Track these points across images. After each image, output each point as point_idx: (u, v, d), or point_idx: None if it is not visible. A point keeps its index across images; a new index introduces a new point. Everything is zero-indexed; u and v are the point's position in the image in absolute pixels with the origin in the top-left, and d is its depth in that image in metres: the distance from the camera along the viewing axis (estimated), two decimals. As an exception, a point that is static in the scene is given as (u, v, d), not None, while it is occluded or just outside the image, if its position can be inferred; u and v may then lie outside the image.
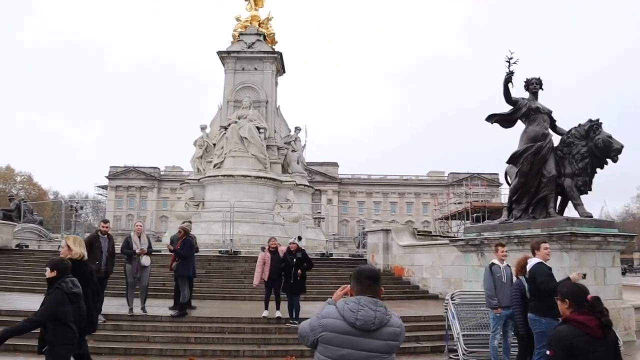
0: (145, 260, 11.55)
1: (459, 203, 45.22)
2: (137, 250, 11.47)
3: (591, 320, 3.67)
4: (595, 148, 11.39)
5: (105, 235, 11.16)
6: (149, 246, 11.85)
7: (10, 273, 17.31)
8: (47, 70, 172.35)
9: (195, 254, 13.08)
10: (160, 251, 17.25)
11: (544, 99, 12.50)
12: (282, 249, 12.14)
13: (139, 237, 11.74)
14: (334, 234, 50.21)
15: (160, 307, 12.69)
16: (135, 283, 11.63)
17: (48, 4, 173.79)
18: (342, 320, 2.98)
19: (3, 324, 10.77)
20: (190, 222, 14.77)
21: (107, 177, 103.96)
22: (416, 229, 24.87)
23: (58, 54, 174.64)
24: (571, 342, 3.59)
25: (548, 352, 3.72)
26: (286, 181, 28.32)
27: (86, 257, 6.62)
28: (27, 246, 22.15)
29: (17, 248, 21.10)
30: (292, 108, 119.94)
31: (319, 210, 48.17)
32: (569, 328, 3.70)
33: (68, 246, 6.47)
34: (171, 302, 13.20)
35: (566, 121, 12.30)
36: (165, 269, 12.94)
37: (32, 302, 13.29)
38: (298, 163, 30.43)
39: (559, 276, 7.51)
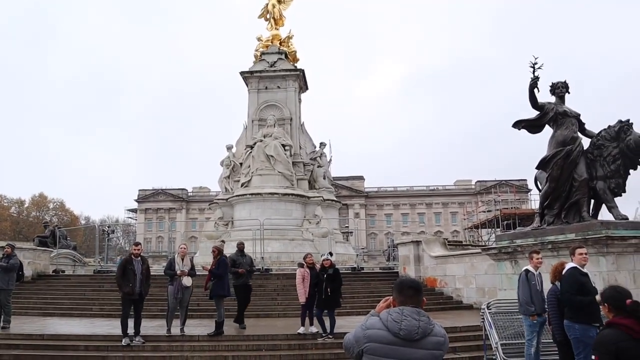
0: (187, 281, 11.79)
1: (488, 211, 44.57)
2: (178, 272, 11.70)
3: (635, 323, 3.64)
4: (627, 149, 11.21)
5: (139, 258, 11.41)
6: (191, 267, 12.09)
7: (49, 298, 17.73)
8: (77, 97, 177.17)
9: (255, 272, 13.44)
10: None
11: (573, 102, 12.38)
12: (317, 266, 12.26)
13: (182, 258, 11.99)
14: (362, 248, 49.90)
15: (197, 327, 12.85)
16: (176, 305, 11.84)
17: (75, 32, 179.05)
18: (386, 330, 3.03)
19: (48, 348, 11.10)
20: (223, 241, 15.05)
21: (136, 201, 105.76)
22: (446, 239, 24.64)
23: (87, 79, 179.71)
24: (617, 346, 3.56)
25: (593, 357, 3.69)
26: (313, 197, 28.43)
27: None
28: (63, 271, 22.66)
29: (54, 273, 21.59)
30: (317, 124, 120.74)
31: (346, 225, 48.10)
32: (613, 332, 3.67)
33: None
34: (206, 322, 13.38)
35: (598, 123, 12.14)
36: (200, 289, 13.12)
37: (73, 326, 13.65)
38: (324, 178, 30.53)
39: (597, 280, 7.41)
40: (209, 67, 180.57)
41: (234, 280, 12.85)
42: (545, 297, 7.97)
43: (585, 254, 7.52)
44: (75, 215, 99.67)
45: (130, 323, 11.22)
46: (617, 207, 11.52)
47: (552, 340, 8.01)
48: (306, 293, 11.89)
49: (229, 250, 21.17)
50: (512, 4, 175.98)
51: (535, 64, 11.58)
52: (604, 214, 12.05)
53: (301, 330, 11.87)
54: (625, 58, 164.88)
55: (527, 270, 8.73)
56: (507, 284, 13.00)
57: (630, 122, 11.41)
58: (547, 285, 8.09)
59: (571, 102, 12.36)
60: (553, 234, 11.88)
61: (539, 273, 8.72)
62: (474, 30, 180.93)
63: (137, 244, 12.05)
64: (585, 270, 7.36)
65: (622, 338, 3.59)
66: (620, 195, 11.65)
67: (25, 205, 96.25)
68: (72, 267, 25.40)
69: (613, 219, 11.39)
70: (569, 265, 7.37)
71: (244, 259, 13.18)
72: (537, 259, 8.80)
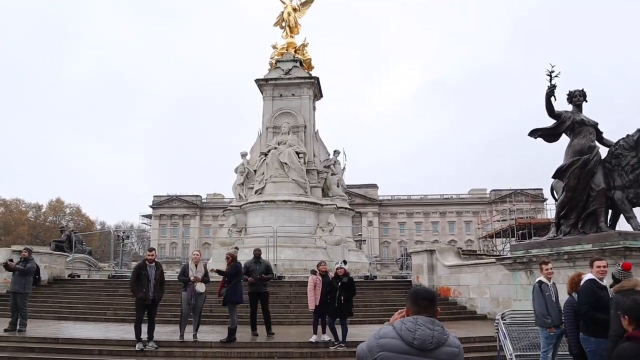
0: (200, 287, 11.82)
1: (503, 220, 44.20)
2: (192, 278, 11.75)
3: None
4: (646, 158, 11.07)
5: (153, 264, 11.48)
6: (205, 274, 12.13)
7: (65, 302, 17.89)
8: (94, 103, 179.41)
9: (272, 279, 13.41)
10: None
11: (591, 110, 12.26)
12: (330, 274, 12.22)
13: (196, 265, 12.04)
14: (375, 256, 49.77)
15: (210, 334, 12.88)
16: (189, 311, 11.87)
17: (93, 40, 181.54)
18: (399, 339, 3.00)
19: (62, 352, 11.18)
20: (237, 248, 15.10)
21: (150, 206, 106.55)
22: (460, 248, 24.46)
23: (102, 85, 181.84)
24: None
25: None
26: (327, 205, 28.41)
27: None
28: (78, 276, 22.86)
29: (69, 278, 21.80)
30: (331, 131, 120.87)
31: (360, 233, 48.06)
32: (632, 345, 3.61)
33: None
34: (218, 328, 13.40)
35: (617, 132, 11.99)
36: (213, 295, 13.15)
37: (87, 330, 13.75)
38: (338, 186, 30.50)
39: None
40: (226, 74, 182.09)
41: (248, 287, 12.87)
42: (562, 308, 7.85)
43: (604, 266, 7.31)
44: (91, 220, 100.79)
45: (144, 328, 11.28)
46: (635, 217, 11.37)
47: (568, 352, 7.89)
48: (316, 300, 11.85)
49: (242, 257, 21.32)
50: (528, 13, 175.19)
51: (552, 72, 11.51)
52: (622, 225, 11.89)
53: (313, 338, 11.83)
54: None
55: (540, 282, 8.62)
56: (522, 294, 12.85)
57: (649, 131, 11.27)
58: (563, 296, 7.97)
59: (589, 111, 12.24)
60: (569, 245, 11.74)
61: (553, 283, 8.61)
62: (490, 38, 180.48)
63: (151, 249, 12.15)
64: (604, 282, 7.22)
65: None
66: (639, 206, 11.49)
67: (43, 210, 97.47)
68: (87, 272, 25.60)
69: (631, 230, 11.23)
70: (587, 277, 7.24)
71: (259, 265, 13.14)
72: (547, 269, 8.67)
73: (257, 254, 13.55)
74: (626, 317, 3.81)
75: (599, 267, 7.22)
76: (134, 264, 27.09)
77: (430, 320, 3.05)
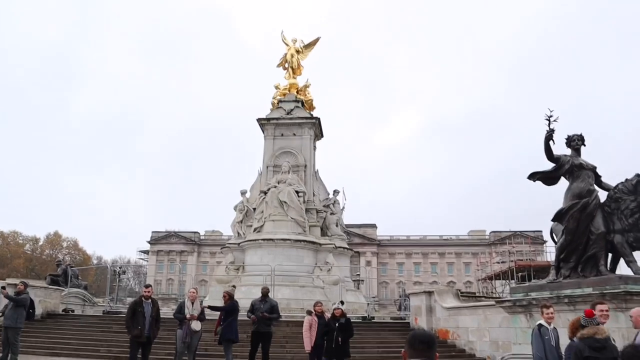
0: (196, 325, 11.69)
1: (502, 262, 43.92)
2: (188, 316, 11.62)
3: None
4: (645, 203, 11.14)
5: (149, 300, 11.38)
6: (201, 312, 12.00)
7: (58, 337, 17.61)
8: (91, 138, 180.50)
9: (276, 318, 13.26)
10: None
11: (593, 151, 12.39)
12: (326, 315, 12.09)
13: (192, 302, 11.93)
14: (373, 297, 49.26)
15: (204, 373, 12.63)
16: (184, 349, 11.69)
17: (91, 73, 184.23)
18: (398, 381, 2.98)
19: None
20: (234, 286, 15.00)
21: (148, 242, 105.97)
22: (459, 290, 24.23)
23: (104, 120, 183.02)
24: None
25: None
26: (325, 244, 28.30)
27: None
28: (73, 311, 22.57)
29: (64, 312, 21.52)
30: (331, 171, 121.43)
31: (358, 273, 47.65)
32: None
33: None
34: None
35: (617, 174, 12.09)
36: (208, 334, 12.97)
37: (79, 367, 13.48)
38: (337, 226, 30.47)
39: (616, 337, 7.21)
40: (227, 112, 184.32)
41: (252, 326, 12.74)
42: (563, 353, 7.73)
43: (607, 310, 7.26)
44: (88, 254, 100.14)
45: (138, 366, 11.09)
46: (635, 261, 11.34)
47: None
48: (312, 342, 11.70)
49: (240, 294, 21.12)
50: (528, 56, 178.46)
51: (551, 116, 11.68)
52: (622, 269, 11.85)
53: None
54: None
55: (540, 325, 8.52)
56: (522, 337, 12.69)
57: (647, 175, 11.38)
58: (564, 340, 7.86)
59: (589, 154, 12.38)
60: (569, 288, 11.66)
61: (554, 328, 8.50)
62: (490, 80, 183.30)
63: (147, 286, 12.07)
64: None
65: None
66: (639, 250, 11.48)
67: (40, 243, 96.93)
68: (82, 307, 25.28)
69: (632, 274, 11.18)
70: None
71: (264, 304, 12.96)
72: (548, 313, 8.59)
73: (264, 292, 13.41)
74: None
75: (601, 310, 7.16)
76: (129, 299, 26.80)
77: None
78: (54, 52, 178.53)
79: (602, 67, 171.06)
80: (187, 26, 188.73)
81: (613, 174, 12.25)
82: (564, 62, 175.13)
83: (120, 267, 38.37)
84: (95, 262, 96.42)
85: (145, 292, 11.59)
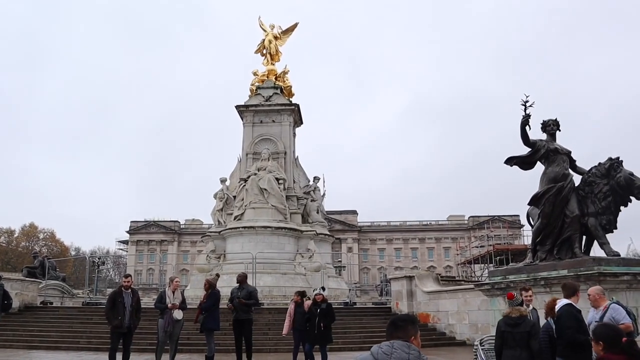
0: (178, 314, 11.62)
1: (481, 246, 44.59)
2: (169, 305, 11.56)
3: (622, 359, 3.65)
4: (617, 186, 11.36)
5: (129, 290, 11.29)
6: (182, 301, 11.94)
7: (36, 330, 17.41)
8: (68, 126, 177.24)
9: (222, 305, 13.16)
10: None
11: (569, 137, 12.54)
12: (307, 303, 12.17)
13: (173, 292, 11.85)
14: (355, 283, 49.63)
15: (186, 362, 12.62)
16: (166, 339, 11.64)
17: (65, 58, 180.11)
18: (377, 364, 3.02)
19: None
20: (218, 275, 15.00)
21: (127, 232, 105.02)
22: (439, 274, 24.52)
23: (77, 107, 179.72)
24: None
25: None
26: (306, 231, 28.38)
27: None
28: (51, 303, 22.31)
29: (41, 305, 21.26)
30: (311, 157, 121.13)
31: (339, 259, 47.74)
32: None
33: None
34: (195, 356, 13.14)
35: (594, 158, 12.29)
36: (190, 322, 12.92)
37: None
38: (318, 212, 30.55)
39: (587, 317, 7.39)
40: (206, 100, 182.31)
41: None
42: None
43: (531, 295, 8.60)
44: (66, 245, 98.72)
45: (119, 357, 11.02)
46: (608, 243, 11.58)
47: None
48: (289, 327, 11.99)
49: (221, 283, 21.06)
50: (510, 40, 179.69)
51: (527, 102, 11.79)
52: (596, 251, 12.11)
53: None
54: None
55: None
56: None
57: (620, 159, 11.59)
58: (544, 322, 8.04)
59: (562, 139, 12.56)
60: (546, 270, 11.88)
61: (533, 309, 8.67)
62: (471, 65, 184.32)
63: (127, 275, 11.94)
64: (578, 306, 7.32)
65: None
66: (612, 232, 11.73)
67: (15, 235, 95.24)
68: (61, 299, 25.03)
69: (605, 256, 11.43)
70: (563, 301, 7.33)
71: (241, 291, 12.84)
72: (526, 296, 8.77)
73: (239, 279, 13.14)
74: (601, 342, 3.88)
75: (526, 296, 8.30)
76: (109, 290, 26.61)
77: (406, 344, 3.09)
78: (20, 30, 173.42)
79: (588, 49, 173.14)
80: (164, 9, 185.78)
81: (594, 156, 12.44)
82: (548, 44, 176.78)
83: (99, 258, 37.80)
84: (73, 253, 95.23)
85: (124, 282, 11.48)
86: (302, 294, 12.71)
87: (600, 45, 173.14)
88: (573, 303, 7.26)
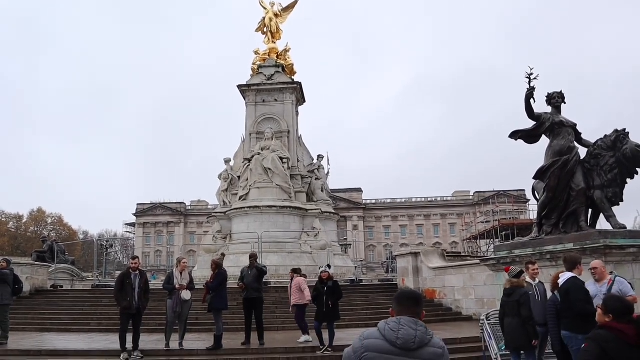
0: (186, 295, 11.75)
1: (486, 222, 44.64)
2: (177, 285, 11.67)
3: (630, 328, 3.67)
4: (623, 158, 11.28)
5: (137, 272, 11.39)
6: (190, 281, 12.06)
7: (47, 313, 17.64)
8: (72, 110, 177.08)
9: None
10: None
11: (583, 104, 12.43)
12: (299, 279, 12.65)
13: (181, 272, 11.95)
14: (361, 260, 49.92)
15: (196, 341, 12.80)
16: (175, 319, 11.78)
17: (71, 42, 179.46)
18: (383, 340, 3.03)
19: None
20: (223, 255, 15.08)
21: (134, 215, 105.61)
22: (445, 250, 24.59)
23: (81, 90, 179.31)
24: (606, 346, 3.61)
25: (584, 346, 3.85)
26: (311, 209, 28.42)
27: None
28: (61, 286, 22.55)
29: (52, 289, 21.50)
30: (315, 136, 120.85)
31: (345, 237, 48.01)
32: (605, 333, 3.72)
33: None
34: (204, 336, 13.31)
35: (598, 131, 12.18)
36: (198, 302, 13.06)
37: (71, 341, 13.59)
38: (322, 191, 30.56)
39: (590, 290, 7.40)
40: (210, 80, 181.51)
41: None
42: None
43: (537, 269, 8.75)
44: (74, 229, 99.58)
45: (129, 338, 11.17)
46: (614, 216, 11.56)
47: (552, 350, 7.97)
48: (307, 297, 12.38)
49: (228, 263, 21.22)
50: (514, 15, 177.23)
51: (531, 74, 11.66)
52: (602, 224, 12.09)
53: (302, 339, 12.00)
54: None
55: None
56: (506, 294, 12.96)
57: (626, 131, 11.49)
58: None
59: (573, 108, 12.43)
60: (551, 244, 11.89)
61: (540, 282, 8.68)
62: (475, 40, 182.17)
63: (134, 257, 12.06)
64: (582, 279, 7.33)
65: (611, 339, 3.69)
66: (618, 205, 11.69)
67: (24, 220, 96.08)
68: (71, 282, 25.30)
69: (611, 228, 11.41)
70: (567, 274, 7.33)
71: (251, 271, 12.96)
72: (533, 269, 8.78)
73: (250, 259, 13.30)
74: (610, 315, 3.89)
75: (533, 270, 8.45)
76: (117, 273, 26.83)
77: (413, 321, 3.08)
78: (22, 14, 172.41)
79: (595, 23, 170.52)
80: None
81: (601, 129, 12.34)
82: (554, 19, 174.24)
83: (107, 241, 38.18)
84: (81, 237, 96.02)
85: (132, 264, 11.59)
86: (296, 271, 13.19)
87: (610, 15, 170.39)
88: (577, 276, 7.28)
